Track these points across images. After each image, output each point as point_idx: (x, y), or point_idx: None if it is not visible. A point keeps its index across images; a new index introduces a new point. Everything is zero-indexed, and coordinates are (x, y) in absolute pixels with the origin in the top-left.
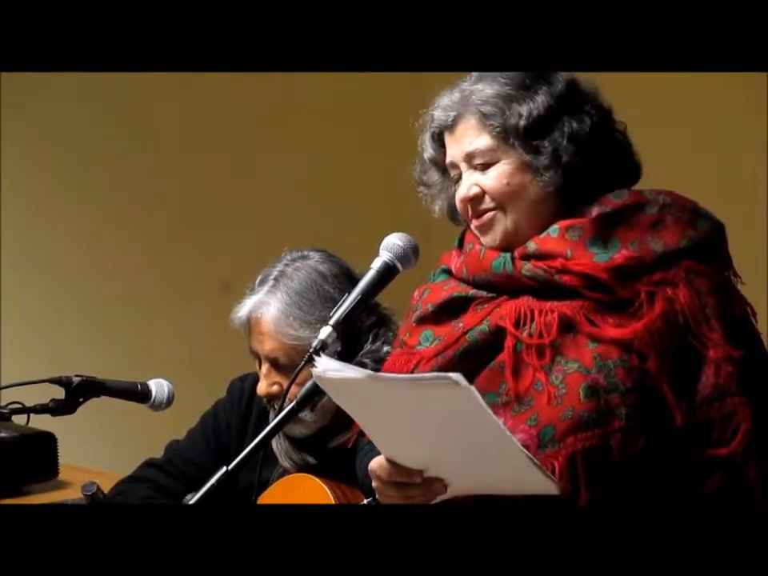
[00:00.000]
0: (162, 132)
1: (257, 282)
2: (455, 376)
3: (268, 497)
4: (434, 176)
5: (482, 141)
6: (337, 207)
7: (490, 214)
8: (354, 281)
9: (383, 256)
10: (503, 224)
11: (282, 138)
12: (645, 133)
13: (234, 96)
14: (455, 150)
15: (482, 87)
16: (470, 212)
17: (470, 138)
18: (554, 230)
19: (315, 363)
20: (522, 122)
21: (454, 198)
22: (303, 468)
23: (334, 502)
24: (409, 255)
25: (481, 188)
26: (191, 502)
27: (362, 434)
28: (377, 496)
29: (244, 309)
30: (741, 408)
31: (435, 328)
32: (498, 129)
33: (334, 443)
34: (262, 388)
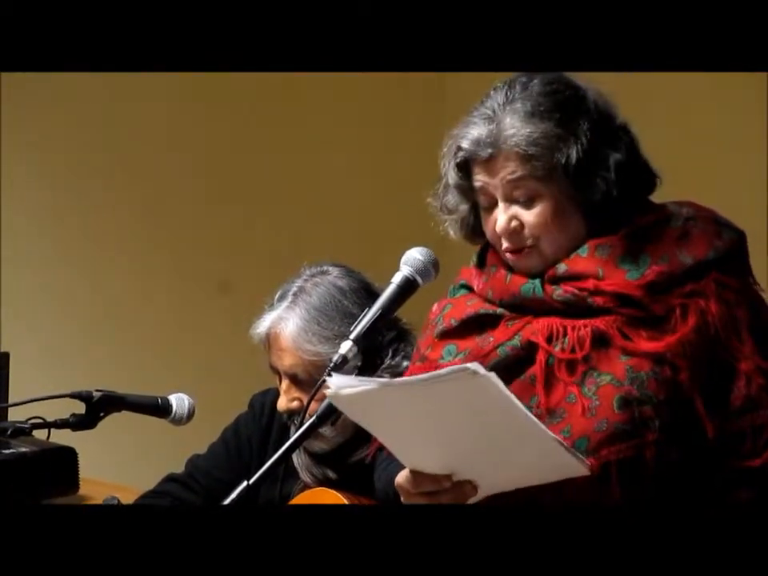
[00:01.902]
0: (162, 131)
1: (276, 297)
2: (473, 366)
3: None
4: (456, 201)
5: (525, 175)
6: (339, 208)
7: (528, 250)
8: (373, 295)
9: (404, 270)
10: (541, 257)
11: (285, 139)
12: (644, 133)
13: (235, 96)
14: (488, 178)
15: (520, 124)
16: (506, 244)
17: (509, 171)
18: (584, 249)
19: (328, 383)
20: (573, 163)
21: (475, 222)
22: (324, 482)
23: None
24: (429, 269)
25: (521, 222)
26: None
27: (380, 448)
28: None
29: (263, 325)
30: None
31: (459, 342)
32: (545, 168)
33: (354, 458)
34: (282, 404)
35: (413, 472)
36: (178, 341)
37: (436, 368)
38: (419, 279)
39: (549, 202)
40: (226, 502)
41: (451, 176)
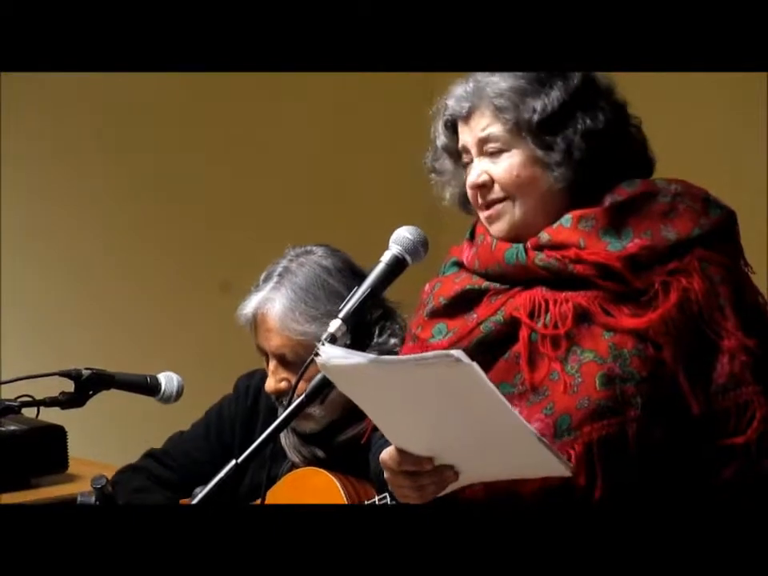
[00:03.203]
0: (163, 131)
1: (261, 278)
2: (456, 353)
3: (278, 491)
4: (446, 163)
5: (495, 129)
6: (338, 205)
7: (498, 206)
8: (357, 275)
9: (393, 249)
10: (511, 215)
11: (282, 137)
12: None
13: (235, 95)
14: (467, 136)
15: (497, 80)
16: (479, 200)
17: (482, 126)
18: (567, 219)
19: (319, 352)
20: (536, 117)
21: (464, 186)
22: (312, 462)
23: (344, 497)
24: (418, 249)
25: (490, 176)
26: (199, 496)
27: (375, 429)
28: (389, 488)
29: (249, 306)
30: (756, 397)
31: (449, 321)
32: (512, 122)
33: (342, 437)
34: (270, 385)
35: (397, 450)
36: (186, 333)
37: (426, 348)
38: (408, 258)
39: (516, 156)
40: (214, 481)
41: (440, 138)
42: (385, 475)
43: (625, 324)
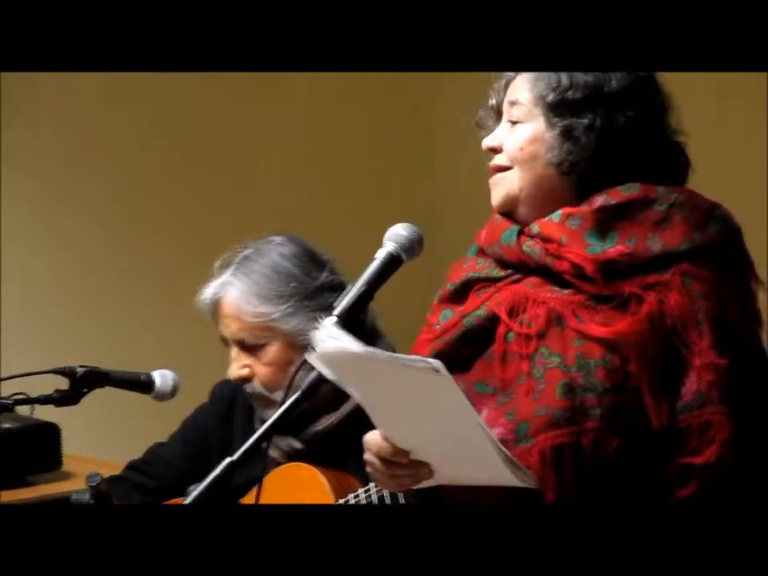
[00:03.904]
0: (162, 130)
1: (217, 265)
2: (436, 363)
3: (266, 489)
4: (489, 121)
5: (522, 96)
6: (335, 206)
7: (500, 174)
8: (316, 260)
9: (388, 246)
10: (508, 186)
11: (285, 140)
12: None
13: (234, 95)
14: (507, 97)
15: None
16: (490, 163)
17: (516, 90)
18: (557, 215)
19: (320, 324)
20: (551, 96)
21: None
22: (291, 455)
23: (329, 491)
24: (414, 246)
25: (500, 142)
26: (194, 494)
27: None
28: (367, 469)
29: (207, 293)
30: (719, 417)
31: (454, 307)
32: (535, 93)
33: (318, 427)
34: (233, 371)
35: (381, 436)
36: (167, 321)
37: (432, 332)
38: (403, 255)
39: (528, 130)
40: (209, 479)
41: (492, 95)
42: (364, 455)
43: (593, 332)
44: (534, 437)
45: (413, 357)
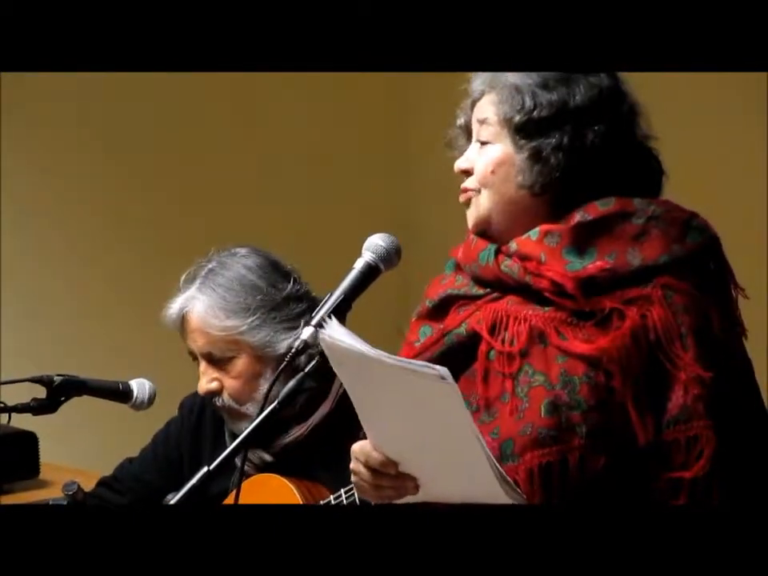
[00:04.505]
0: (163, 130)
1: (183, 280)
2: (442, 370)
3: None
4: (460, 140)
5: (489, 116)
6: (312, 216)
7: (470, 193)
8: (281, 271)
9: (366, 256)
10: (477, 208)
11: (254, 151)
12: None
13: (234, 94)
14: (474, 117)
15: (514, 73)
16: (462, 185)
17: (483, 110)
18: (535, 232)
19: (324, 325)
20: (518, 117)
21: None
22: (261, 468)
23: (300, 500)
24: (392, 256)
25: (471, 164)
26: (171, 502)
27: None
28: (353, 478)
29: (174, 308)
30: (705, 431)
31: (434, 324)
32: (502, 115)
33: (288, 439)
34: (201, 386)
35: (370, 444)
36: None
37: (412, 350)
38: (381, 266)
39: (497, 151)
40: (186, 487)
41: (461, 115)
42: (351, 464)
43: (576, 349)
44: (520, 455)
45: (419, 362)
